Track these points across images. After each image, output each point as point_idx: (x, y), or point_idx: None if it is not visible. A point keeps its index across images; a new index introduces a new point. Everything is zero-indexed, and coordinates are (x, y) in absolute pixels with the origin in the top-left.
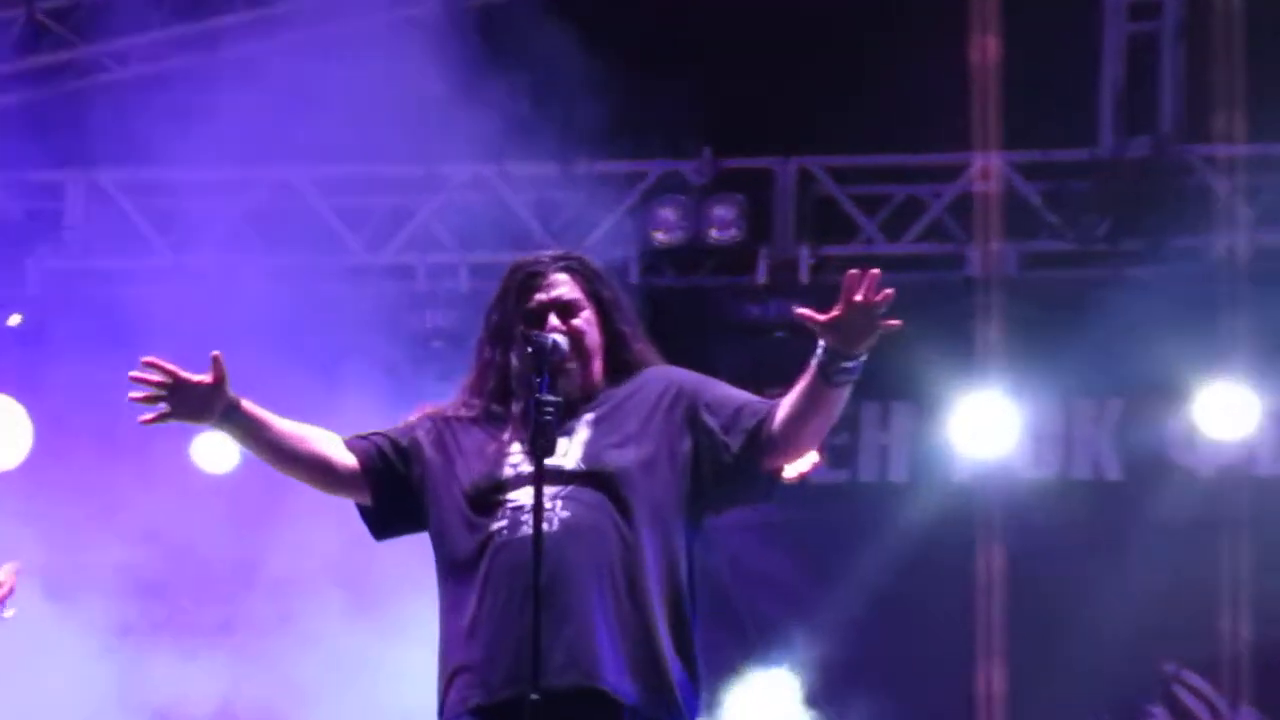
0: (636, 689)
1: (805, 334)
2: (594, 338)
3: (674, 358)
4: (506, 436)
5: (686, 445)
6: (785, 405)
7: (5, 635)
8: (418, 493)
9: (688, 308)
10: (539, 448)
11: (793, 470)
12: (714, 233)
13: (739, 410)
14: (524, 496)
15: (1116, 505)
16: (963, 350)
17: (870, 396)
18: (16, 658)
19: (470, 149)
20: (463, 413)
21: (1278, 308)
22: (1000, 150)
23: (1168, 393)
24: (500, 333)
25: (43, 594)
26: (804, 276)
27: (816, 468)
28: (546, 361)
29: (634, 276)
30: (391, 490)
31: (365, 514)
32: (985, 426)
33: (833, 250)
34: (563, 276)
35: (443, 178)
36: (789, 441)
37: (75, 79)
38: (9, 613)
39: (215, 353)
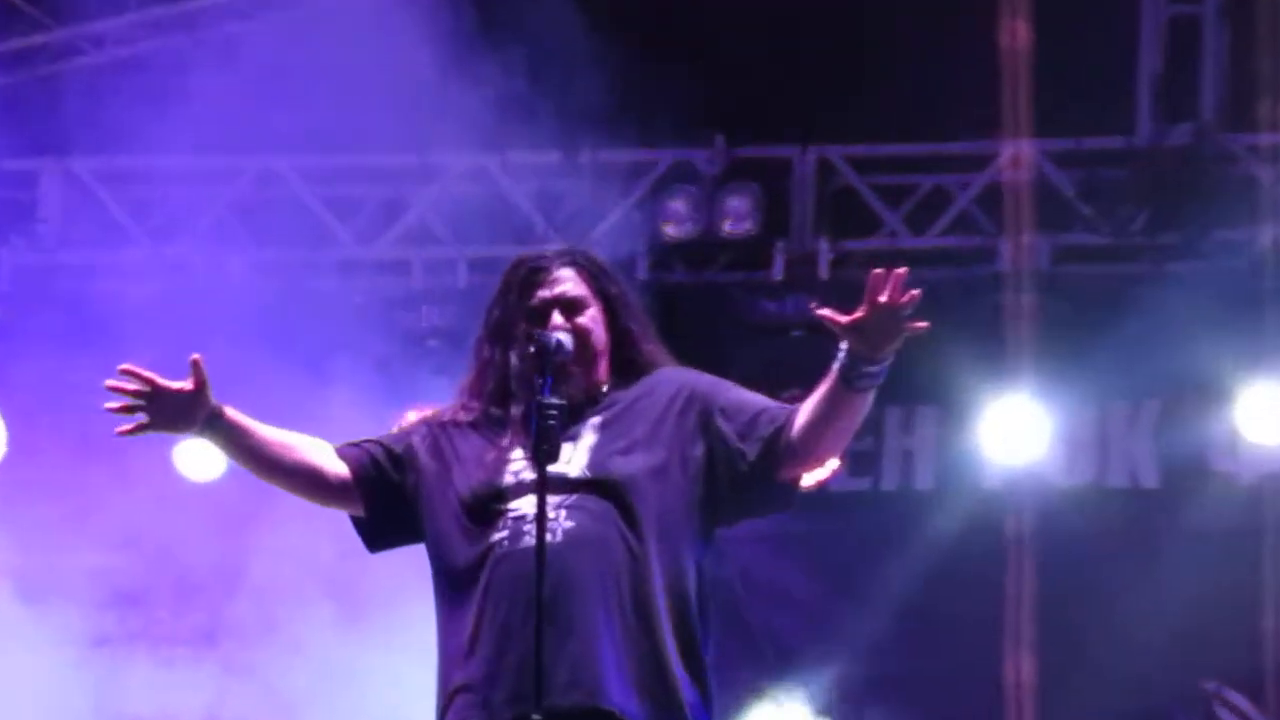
0: (644, 709)
1: (824, 333)
2: (600, 337)
3: (685, 358)
4: (507, 442)
5: (699, 452)
6: (804, 411)
7: None
8: (413, 502)
9: (699, 305)
10: (542, 454)
11: (811, 478)
12: (727, 226)
13: (756, 416)
14: (526, 505)
15: (1153, 514)
16: (991, 350)
17: (894, 400)
18: None
19: (468, 136)
20: (460, 416)
21: None
22: (1032, 138)
23: (1208, 395)
24: (501, 331)
25: (14, 599)
26: (823, 272)
27: (836, 475)
28: (549, 362)
29: (642, 272)
30: (386, 500)
31: (359, 525)
32: (1015, 431)
33: (853, 244)
34: (567, 272)
35: (438, 167)
36: (808, 449)
37: (49, 63)
38: None
39: (195, 357)
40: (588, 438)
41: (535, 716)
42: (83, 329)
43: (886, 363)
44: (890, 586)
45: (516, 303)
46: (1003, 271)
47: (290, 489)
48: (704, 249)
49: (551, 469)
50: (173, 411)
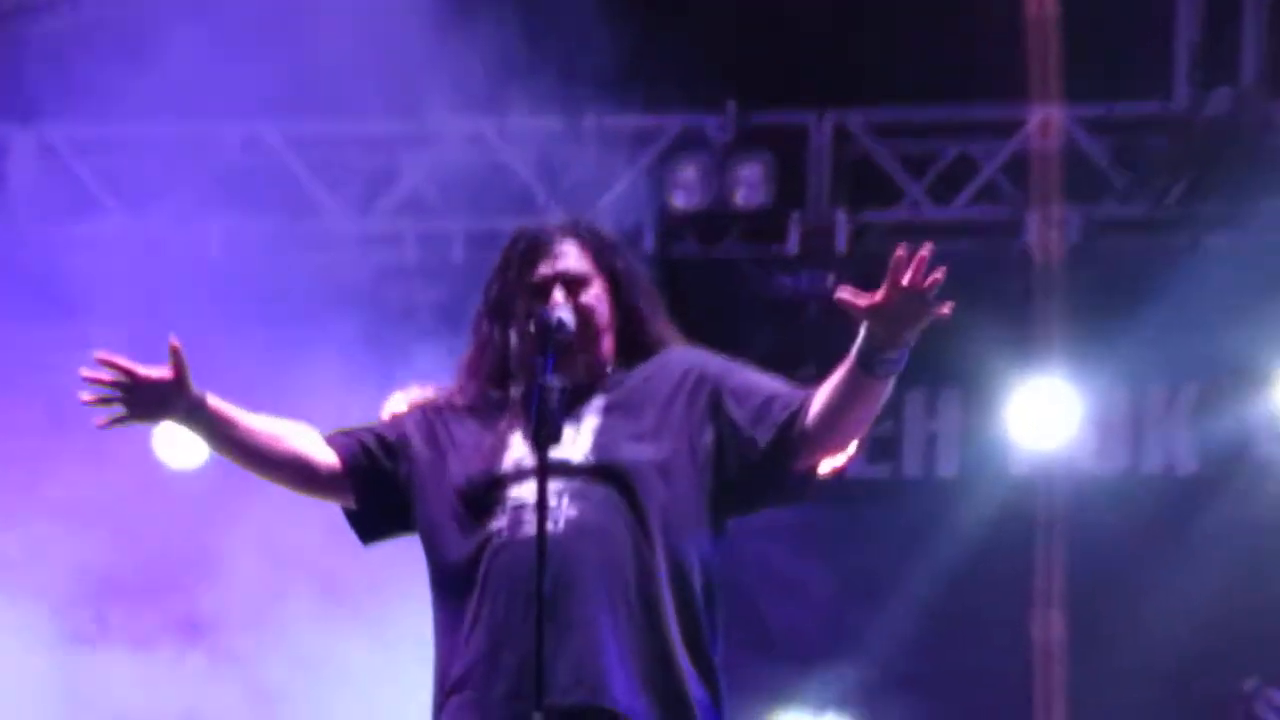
0: (650, 709)
1: (842, 310)
2: (604, 315)
3: (694, 337)
4: (506, 426)
5: (709, 438)
6: (820, 396)
7: None
8: (406, 492)
9: (709, 280)
10: (542, 437)
11: (828, 466)
12: (739, 196)
13: (768, 401)
14: (526, 493)
15: (1191, 503)
16: (1019, 329)
17: (916, 381)
18: None
19: (464, 99)
20: (456, 400)
21: None
22: (1062, 103)
23: (1249, 376)
24: (500, 309)
25: None
26: (841, 245)
27: (854, 461)
28: (551, 340)
29: (649, 245)
30: (379, 491)
31: (351, 518)
32: (1044, 415)
33: (873, 216)
34: (570, 246)
35: (433, 132)
36: (823, 437)
37: (17, 24)
38: None
39: (174, 343)
40: (592, 421)
41: (536, 716)
42: (54, 305)
43: (908, 348)
44: (911, 580)
45: (516, 279)
46: (1031, 245)
47: (278, 481)
48: (714, 221)
49: (553, 454)
50: (152, 401)
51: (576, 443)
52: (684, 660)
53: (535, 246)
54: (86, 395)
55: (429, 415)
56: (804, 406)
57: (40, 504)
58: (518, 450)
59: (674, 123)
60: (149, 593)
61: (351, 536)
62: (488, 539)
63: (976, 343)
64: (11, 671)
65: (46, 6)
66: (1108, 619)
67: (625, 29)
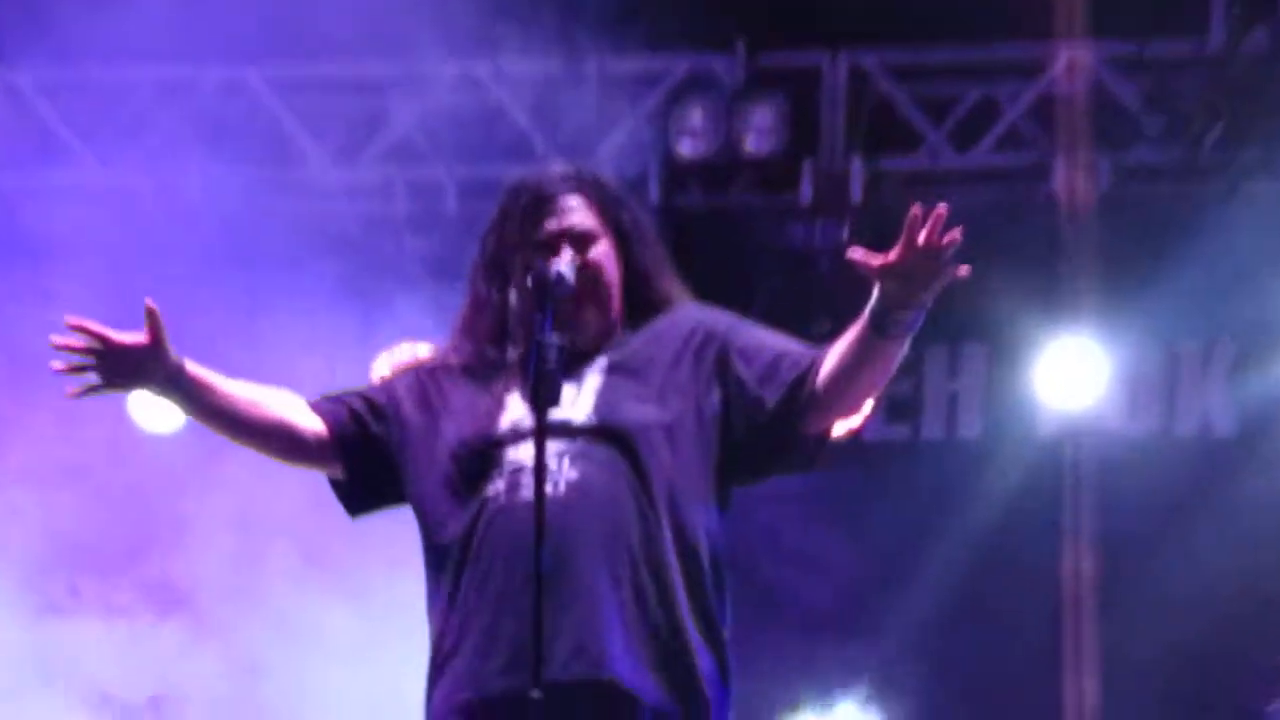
0: (655, 682)
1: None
2: (612, 272)
3: (701, 290)
4: (502, 387)
5: (716, 399)
6: (832, 356)
7: None
8: (398, 460)
9: (718, 231)
10: (540, 397)
11: (841, 428)
12: (749, 142)
13: (777, 359)
14: (524, 455)
15: (1228, 466)
16: (1046, 282)
17: (937, 338)
18: None
19: (457, 40)
20: (451, 360)
21: None
22: (1091, 42)
23: None
24: (498, 264)
25: None
26: (856, 194)
27: (871, 422)
28: (550, 296)
29: (654, 195)
30: (368, 460)
31: (338, 489)
32: (1072, 373)
33: (890, 163)
34: (575, 199)
35: (424, 77)
36: (834, 399)
37: None
38: None
39: (150, 304)
40: (594, 380)
41: (534, 692)
42: (22, 259)
43: (924, 309)
44: (931, 548)
45: (518, 234)
46: (1058, 193)
47: (261, 450)
48: (723, 169)
49: (553, 414)
50: (127, 369)
51: (577, 403)
52: (691, 631)
53: (539, 200)
54: (57, 364)
55: (421, 377)
56: (814, 366)
57: (7, 468)
58: (515, 411)
59: (679, 64)
60: (123, 560)
61: (336, 504)
62: (484, 503)
63: (1000, 297)
64: None
65: None
66: (1139, 586)
67: None
